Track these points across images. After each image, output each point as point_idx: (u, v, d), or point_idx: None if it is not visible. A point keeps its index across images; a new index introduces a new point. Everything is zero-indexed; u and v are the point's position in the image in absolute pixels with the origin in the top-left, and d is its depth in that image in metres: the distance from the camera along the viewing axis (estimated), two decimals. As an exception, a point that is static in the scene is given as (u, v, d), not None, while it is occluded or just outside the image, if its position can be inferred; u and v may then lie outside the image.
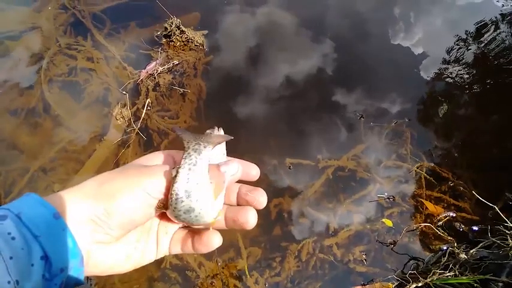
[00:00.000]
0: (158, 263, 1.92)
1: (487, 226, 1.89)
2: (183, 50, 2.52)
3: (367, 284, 1.78)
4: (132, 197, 0.46)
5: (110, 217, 0.45)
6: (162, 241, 0.55)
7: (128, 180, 0.46)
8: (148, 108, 2.18)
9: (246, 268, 1.90)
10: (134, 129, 2.09)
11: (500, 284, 1.61)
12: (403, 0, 3.02)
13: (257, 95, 2.47)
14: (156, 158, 0.54)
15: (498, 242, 1.79)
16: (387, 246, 1.93)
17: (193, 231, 0.56)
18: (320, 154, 2.22)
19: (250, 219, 0.55)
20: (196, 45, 2.53)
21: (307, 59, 2.65)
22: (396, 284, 1.72)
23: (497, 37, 2.67)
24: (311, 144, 2.27)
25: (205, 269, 1.90)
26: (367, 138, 2.28)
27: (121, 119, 2.02)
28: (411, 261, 1.88)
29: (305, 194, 2.16)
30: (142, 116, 2.16)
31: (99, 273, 0.47)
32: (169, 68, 2.41)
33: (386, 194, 2.08)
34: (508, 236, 1.79)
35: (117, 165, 2.18)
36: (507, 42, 2.64)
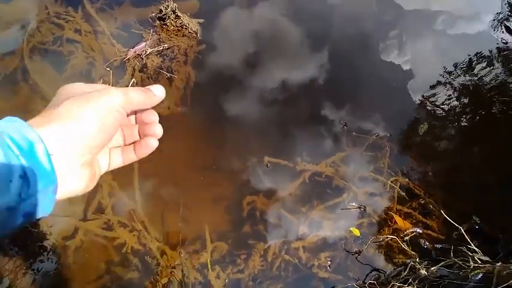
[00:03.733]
0: (119, 246, 1.87)
1: (450, 246, 1.93)
2: (176, 35, 2.48)
3: (328, 290, 1.78)
4: (105, 116, 0.48)
5: (86, 139, 0.47)
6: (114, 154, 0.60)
7: (94, 101, 0.48)
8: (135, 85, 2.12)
9: (209, 261, 1.88)
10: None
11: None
12: (401, 23, 3.04)
13: (247, 94, 2.45)
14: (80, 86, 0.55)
15: (460, 262, 1.82)
16: (352, 255, 1.94)
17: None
18: (299, 157, 2.22)
19: (156, 130, 0.61)
20: (190, 33, 2.50)
21: (302, 67, 2.64)
22: (356, 292, 1.73)
23: (489, 71, 2.72)
24: (292, 146, 2.27)
25: (167, 258, 1.86)
26: (348, 147, 2.30)
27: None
28: (373, 272, 1.89)
29: (279, 195, 2.15)
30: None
31: (58, 198, 0.48)
32: (159, 51, 2.37)
33: (358, 204, 2.09)
34: (470, 257, 1.83)
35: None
36: (498, 76, 2.69)
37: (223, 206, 2.12)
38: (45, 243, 1.88)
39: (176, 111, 2.26)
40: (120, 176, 2.06)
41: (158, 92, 0.61)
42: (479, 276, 1.75)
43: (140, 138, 0.61)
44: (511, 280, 1.64)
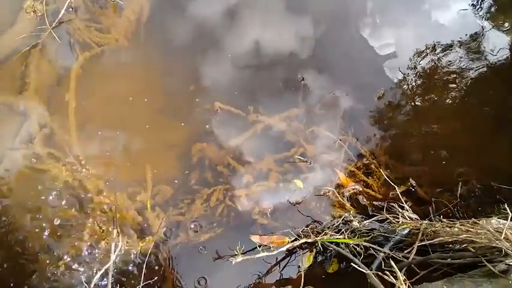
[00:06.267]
0: (50, 180, 1.74)
1: (385, 204, 2.04)
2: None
3: (266, 235, 1.82)
4: None
5: None
6: None
7: None
8: (72, 10, 1.89)
9: (148, 202, 1.83)
10: (47, 29, 1.81)
11: (382, 254, 1.75)
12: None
13: (208, 36, 2.30)
14: None
15: (391, 218, 1.93)
16: (293, 205, 1.98)
17: None
18: (252, 107, 2.17)
19: None
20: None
21: (279, 29, 2.48)
22: (292, 239, 1.79)
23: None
24: (246, 96, 2.20)
25: (104, 196, 1.78)
26: (303, 103, 2.28)
27: (32, 13, 1.73)
28: (311, 223, 1.96)
29: (229, 144, 2.11)
30: (60, 15, 1.86)
31: None
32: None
33: (306, 158, 2.12)
34: (399, 214, 1.95)
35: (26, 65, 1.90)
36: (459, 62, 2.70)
37: (171, 151, 2.05)
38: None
39: (125, 45, 2.08)
40: (54, 106, 1.89)
41: None
42: (406, 231, 1.87)
43: None
44: (436, 238, 1.77)
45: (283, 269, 1.85)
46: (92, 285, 1.25)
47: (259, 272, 1.82)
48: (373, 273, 1.41)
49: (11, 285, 1.58)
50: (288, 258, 1.87)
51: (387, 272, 1.35)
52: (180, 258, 1.80)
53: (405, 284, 1.26)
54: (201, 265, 1.80)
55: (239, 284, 1.79)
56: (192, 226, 1.88)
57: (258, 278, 1.80)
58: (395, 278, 1.41)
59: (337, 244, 1.77)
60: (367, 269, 1.44)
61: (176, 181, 1.97)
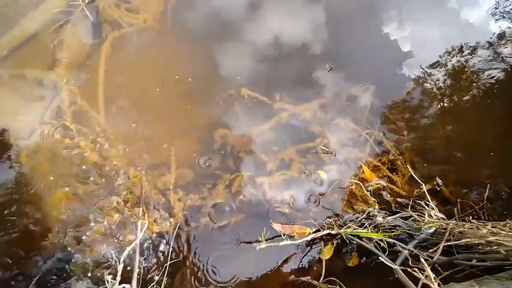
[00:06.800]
0: (78, 156, 1.76)
1: (409, 201, 1.99)
2: None
3: (287, 224, 1.80)
4: None
5: None
6: None
7: None
8: (104, -13, 1.88)
9: (171, 184, 1.83)
10: (79, 5, 1.81)
11: (406, 251, 1.71)
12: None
13: (237, 23, 2.27)
14: None
15: (415, 215, 1.88)
16: (316, 196, 1.95)
17: None
18: (279, 95, 2.13)
19: None
20: None
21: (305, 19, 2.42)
22: (314, 230, 1.76)
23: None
24: (273, 83, 2.16)
25: (129, 175, 1.79)
26: (330, 94, 2.23)
27: (66, -12, 1.73)
28: (332, 215, 1.93)
29: (253, 132, 2.09)
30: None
31: None
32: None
33: (330, 150, 2.08)
34: (426, 212, 1.89)
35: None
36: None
37: (194, 135, 2.04)
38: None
39: (153, 27, 2.06)
40: (83, 84, 1.90)
41: None
42: (432, 230, 1.82)
43: None
44: (463, 239, 1.72)
45: (302, 258, 1.83)
46: (121, 261, 1.26)
47: (278, 260, 1.81)
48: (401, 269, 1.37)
49: (40, 263, 1.61)
50: (308, 248, 1.85)
51: (416, 269, 1.31)
52: (199, 241, 1.80)
53: (435, 281, 1.22)
54: (220, 249, 1.79)
55: (257, 270, 1.78)
56: (213, 210, 1.88)
57: (276, 265, 1.79)
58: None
59: (360, 238, 1.73)
60: (394, 264, 1.41)
61: (198, 165, 1.96)
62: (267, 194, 1.93)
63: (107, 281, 1.17)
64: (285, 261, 1.80)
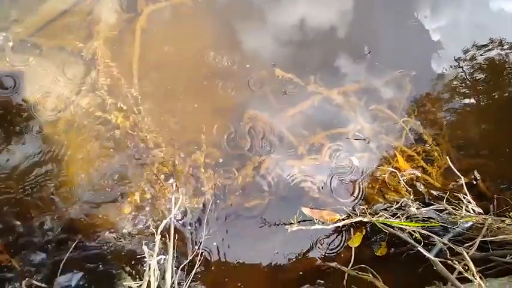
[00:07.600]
0: (112, 129, 1.78)
1: (445, 194, 1.91)
2: None
3: (316, 209, 1.77)
4: None
5: None
6: None
7: None
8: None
9: (202, 161, 1.83)
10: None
11: (440, 244, 1.64)
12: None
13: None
14: None
15: (451, 209, 1.81)
16: (347, 183, 1.91)
17: None
18: (313, 77, 2.06)
19: None
20: None
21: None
22: (344, 216, 1.73)
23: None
24: (307, 63, 2.09)
25: (162, 150, 1.80)
26: (366, 78, 2.14)
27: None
28: (363, 203, 1.88)
29: (284, 114, 2.04)
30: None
31: None
32: None
33: (363, 136, 2.01)
34: (463, 206, 1.81)
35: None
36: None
37: (224, 116, 2.02)
38: (35, 115, 1.78)
39: (188, 2, 2.02)
40: (119, 57, 1.90)
41: None
42: (469, 225, 1.75)
43: None
44: (500, 235, 1.65)
45: (329, 244, 1.81)
46: (158, 234, 1.27)
47: (305, 244, 1.79)
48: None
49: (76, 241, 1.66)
50: (336, 235, 1.82)
51: (456, 262, 1.25)
52: (228, 220, 1.81)
53: (477, 275, 1.16)
54: (248, 230, 1.79)
55: (284, 253, 1.78)
56: (241, 191, 1.87)
57: (303, 249, 1.78)
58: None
59: (392, 228, 1.68)
60: (431, 256, 1.36)
61: (227, 146, 1.94)
62: (296, 177, 1.89)
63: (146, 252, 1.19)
64: (312, 246, 1.78)
